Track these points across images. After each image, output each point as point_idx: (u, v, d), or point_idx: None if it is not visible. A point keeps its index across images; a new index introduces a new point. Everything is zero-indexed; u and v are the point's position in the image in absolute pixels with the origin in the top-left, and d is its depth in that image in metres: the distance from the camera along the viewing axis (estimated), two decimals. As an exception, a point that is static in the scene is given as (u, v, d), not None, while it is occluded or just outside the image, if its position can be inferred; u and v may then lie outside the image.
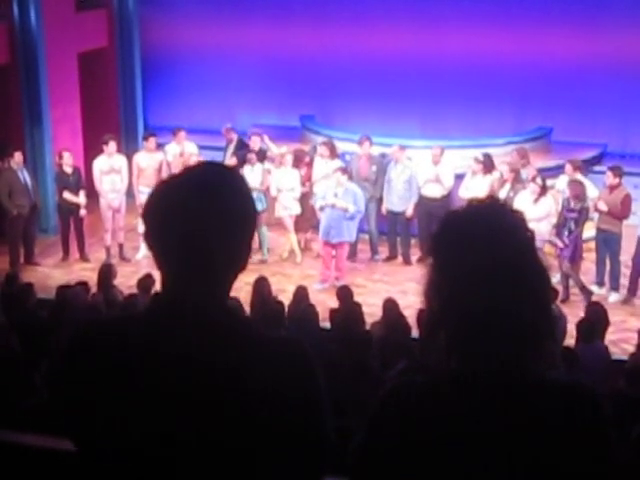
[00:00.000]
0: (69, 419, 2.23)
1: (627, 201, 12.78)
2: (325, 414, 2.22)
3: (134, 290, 11.19)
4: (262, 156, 14.90)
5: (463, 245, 2.12)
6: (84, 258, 14.57)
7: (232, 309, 2.23)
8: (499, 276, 2.07)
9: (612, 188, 12.87)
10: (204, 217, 2.13)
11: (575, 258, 12.73)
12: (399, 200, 14.33)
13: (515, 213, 2.22)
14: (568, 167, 13.46)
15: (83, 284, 10.85)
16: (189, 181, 2.21)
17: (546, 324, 2.15)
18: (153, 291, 10.64)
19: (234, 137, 15.71)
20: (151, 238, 2.22)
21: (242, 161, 14.79)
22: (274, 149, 15.18)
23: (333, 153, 14.56)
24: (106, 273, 11.37)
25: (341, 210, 13.21)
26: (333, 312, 10.08)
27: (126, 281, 12.65)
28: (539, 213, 12.39)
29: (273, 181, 14.26)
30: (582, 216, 12.64)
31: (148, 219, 2.22)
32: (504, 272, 2.08)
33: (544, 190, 12.94)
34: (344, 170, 13.62)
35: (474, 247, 2.10)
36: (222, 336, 2.14)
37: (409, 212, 14.32)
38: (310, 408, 2.17)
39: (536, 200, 12.78)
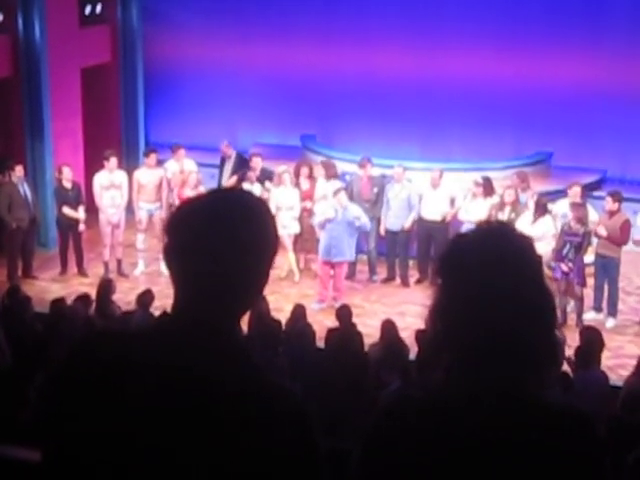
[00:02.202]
0: (56, 432, 2.20)
1: (626, 227, 12.80)
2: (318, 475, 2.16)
3: (131, 306, 11.17)
4: (265, 176, 14.90)
5: (471, 268, 2.12)
6: (82, 273, 14.56)
7: (238, 341, 2.22)
8: (506, 300, 2.08)
9: (611, 213, 12.88)
10: (225, 242, 2.13)
11: (584, 282, 12.74)
12: (397, 219, 14.35)
13: (523, 238, 2.22)
14: (574, 189, 13.37)
15: (85, 297, 10.84)
16: (214, 204, 2.21)
17: (550, 349, 2.16)
18: (152, 307, 10.65)
19: (232, 153, 15.73)
20: (170, 256, 2.21)
21: (242, 179, 14.82)
22: None
23: (332, 173, 14.60)
24: (105, 288, 11.34)
25: (350, 220, 13.27)
26: (331, 332, 10.07)
27: (124, 297, 12.62)
28: (537, 233, 12.40)
29: (272, 200, 14.27)
30: (585, 240, 12.64)
31: (170, 237, 2.22)
32: (511, 296, 2.08)
33: (543, 211, 12.97)
34: (344, 190, 13.65)
35: (482, 270, 2.10)
36: (222, 366, 2.12)
37: (407, 225, 14.29)
38: (304, 469, 2.13)
39: (534, 221, 12.81)
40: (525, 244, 2.20)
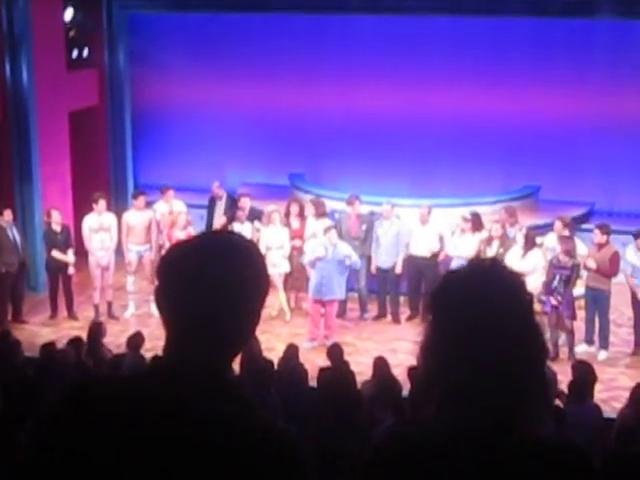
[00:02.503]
0: (48, 476, 2.18)
1: (615, 259, 12.83)
2: None
3: (122, 348, 11.12)
4: (253, 216, 14.93)
5: (461, 305, 2.13)
6: (72, 316, 14.50)
7: (232, 383, 2.22)
8: (496, 337, 2.08)
9: (600, 246, 12.93)
10: (216, 285, 2.14)
11: (574, 315, 12.76)
12: (387, 257, 14.37)
13: (514, 274, 2.23)
14: (557, 224, 13.53)
15: (76, 340, 10.79)
16: (206, 247, 2.23)
17: (540, 385, 2.16)
18: (143, 350, 10.61)
19: (224, 194, 15.78)
20: (161, 299, 2.21)
21: (232, 219, 14.85)
22: None
23: (321, 211, 14.64)
24: (95, 331, 11.29)
25: (340, 259, 13.27)
26: (322, 371, 10.03)
27: (114, 340, 12.57)
28: (526, 267, 12.42)
29: (262, 239, 14.27)
30: (574, 273, 12.67)
31: (161, 279, 2.23)
32: (502, 334, 2.09)
33: (532, 244, 13.01)
34: (334, 228, 13.67)
35: (472, 308, 2.11)
36: (214, 410, 2.11)
37: (398, 269, 14.36)
38: None
39: (524, 254, 12.85)
40: (515, 281, 2.20)
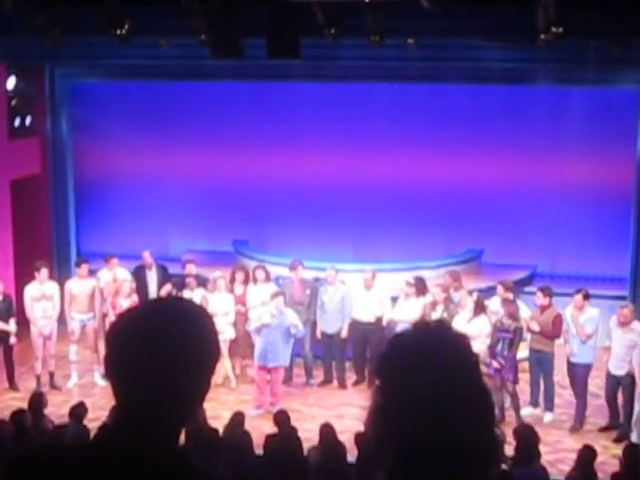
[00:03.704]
0: None
1: (558, 321, 12.95)
2: None
3: (65, 419, 10.94)
4: (198, 283, 14.86)
5: (409, 370, 2.12)
6: (13, 387, 14.25)
7: (180, 455, 2.19)
8: (446, 401, 2.08)
9: (543, 308, 13.06)
10: (166, 353, 2.12)
11: (516, 378, 12.81)
12: (333, 322, 14.41)
13: (460, 336, 2.24)
14: (500, 288, 13.65)
15: (20, 412, 10.55)
16: (154, 314, 2.21)
17: (491, 448, 2.16)
18: (86, 420, 10.44)
19: (153, 263, 15.56)
20: (110, 367, 2.19)
21: (180, 286, 14.74)
22: None
23: (267, 278, 14.64)
24: (37, 402, 11.09)
25: (286, 326, 13.23)
26: (269, 438, 9.96)
27: (57, 410, 12.36)
28: (472, 332, 12.46)
29: (207, 306, 14.18)
30: (517, 336, 12.75)
31: (109, 347, 2.20)
32: (451, 397, 2.09)
33: (481, 310, 13.06)
34: (281, 295, 13.66)
35: (421, 372, 2.11)
36: None
37: (344, 333, 14.37)
38: None
39: (470, 319, 12.91)
40: (461, 342, 2.21)
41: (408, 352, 2.17)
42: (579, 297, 12.96)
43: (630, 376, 12.35)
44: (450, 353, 2.16)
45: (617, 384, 12.58)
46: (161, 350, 2.12)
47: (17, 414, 10.51)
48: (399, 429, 2.13)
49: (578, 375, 12.87)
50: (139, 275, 15.47)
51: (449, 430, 2.08)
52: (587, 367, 12.87)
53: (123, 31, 12.02)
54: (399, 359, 2.18)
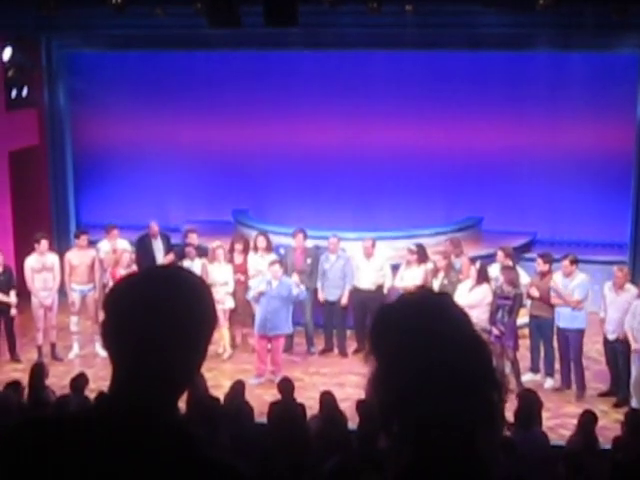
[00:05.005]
0: None
1: (558, 287, 12.95)
2: None
3: (66, 390, 10.97)
4: (198, 253, 14.86)
5: (398, 340, 2.12)
6: (15, 358, 14.29)
7: (178, 422, 2.19)
8: (444, 345, 2.08)
9: (543, 275, 13.05)
10: (162, 321, 2.11)
11: (516, 345, 12.83)
12: (335, 289, 14.44)
13: (444, 297, 2.24)
14: (500, 254, 13.64)
15: (16, 384, 10.61)
16: (151, 283, 2.21)
17: (491, 417, 2.16)
18: (87, 390, 10.46)
19: (158, 232, 15.59)
20: (107, 336, 2.19)
21: (181, 256, 14.75)
22: None
23: (268, 247, 14.62)
24: (37, 373, 11.11)
25: (285, 294, 13.26)
26: (273, 405, 9.99)
27: (58, 381, 12.38)
28: (473, 300, 12.47)
29: (206, 276, 14.19)
30: (516, 303, 12.75)
31: (107, 316, 2.20)
32: (448, 341, 2.09)
33: (484, 279, 13.03)
34: (279, 263, 13.67)
35: (409, 341, 2.10)
36: (161, 450, 2.08)
37: (344, 300, 14.39)
38: None
39: (472, 288, 12.91)
40: (456, 309, 2.21)
41: (394, 322, 2.17)
42: (567, 263, 12.92)
43: (625, 342, 12.35)
44: (437, 318, 2.15)
45: (615, 349, 12.59)
46: (157, 317, 2.11)
47: (13, 385, 10.53)
48: (398, 398, 2.13)
49: (571, 341, 12.83)
50: (144, 244, 15.51)
51: (453, 398, 2.08)
52: (580, 332, 12.83)
53: (118, 0, 11.95)
54: (386, 330, 2.18)
